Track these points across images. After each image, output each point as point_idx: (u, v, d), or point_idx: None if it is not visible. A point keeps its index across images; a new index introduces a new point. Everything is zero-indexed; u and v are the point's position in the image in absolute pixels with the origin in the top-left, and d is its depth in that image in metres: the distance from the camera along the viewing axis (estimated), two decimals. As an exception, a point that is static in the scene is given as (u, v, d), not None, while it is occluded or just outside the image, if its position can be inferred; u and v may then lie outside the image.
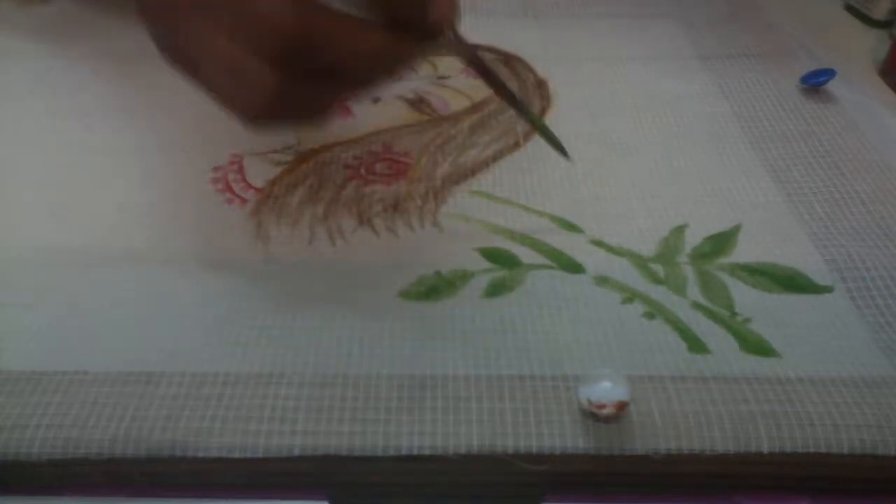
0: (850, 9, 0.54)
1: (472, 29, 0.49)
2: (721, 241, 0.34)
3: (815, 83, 0.43)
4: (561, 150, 0.34)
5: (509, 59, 0.46)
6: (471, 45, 0.32)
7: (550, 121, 0.34)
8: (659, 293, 0.31)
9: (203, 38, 0.25)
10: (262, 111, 0.25)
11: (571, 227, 0.34)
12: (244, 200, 0.35)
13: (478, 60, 0.33)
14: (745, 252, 0.33)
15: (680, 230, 0.34)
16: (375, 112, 0.42)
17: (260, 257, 0.32)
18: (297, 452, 0.25)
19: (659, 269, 0.32)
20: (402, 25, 0.26)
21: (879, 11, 0.52)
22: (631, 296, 0.31)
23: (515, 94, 0.34)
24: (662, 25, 0.51)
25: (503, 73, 0.45)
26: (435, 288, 0.31)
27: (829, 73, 0.43)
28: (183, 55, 0.26)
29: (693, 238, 0.34)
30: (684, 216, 0.35)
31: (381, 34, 0.26)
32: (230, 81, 0.25)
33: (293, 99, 0.25)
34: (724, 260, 0.33)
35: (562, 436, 0.25)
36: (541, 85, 0.44)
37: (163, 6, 0.27)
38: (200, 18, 0.25)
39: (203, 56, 0.25)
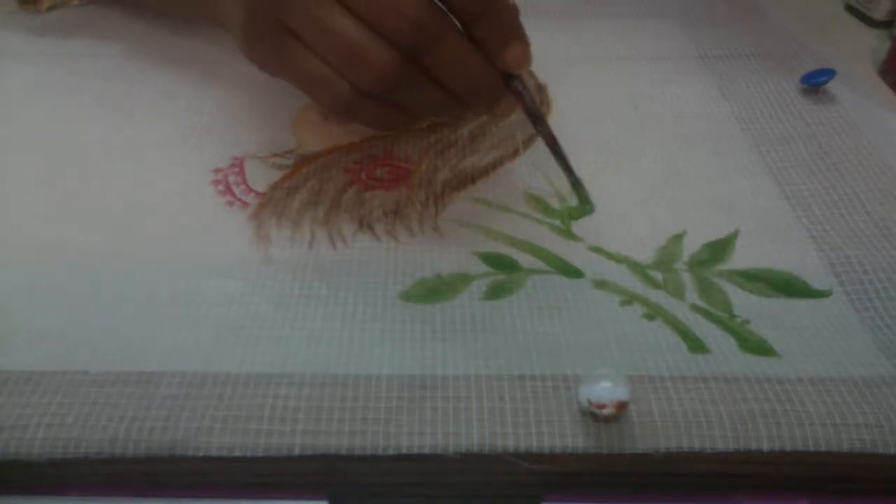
0: (850, 9, 0.54)
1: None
2: (719, 248, 0.33)
3: (815, 83, 0.43)
4: (587, 202, 0.36)
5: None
6: (528, 95, 0.33)
7: (550, 124, 0.34)
8: (657, 297, 0.31)
9: (321, 15, 0.25)
10: (374, 86, 0.26)
11: (570, 234, 0.34)
12: (245, 203, 0.35)
13: (535, 110, 0.33)
14: (743, 257, 0.33)
15: (678, 238, 0.34)
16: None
17: (260, 260, 0.32)
18: (297, 452, 0.25)
19: (657, 276, 0.32)
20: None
21: (879, 11, 0.52)
22: (630, 298, 0.31)
23: (561, 149, 0.35)
24: (662, 25, 0.51)
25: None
26: (435, 290, 0.31)
27: (829, 73, 0.43)
28: (277, 46, 0.27)
29: (691, 245, 0.34)
30: (683, 222, 0.35)
31: (482, 57, 0.28)
32: (345, 57, 0.25)
33: (404, 88, 0.26)
34: (722, 267, 0.33)
35: (562, 435, 0.25)
36: (541, 89, 0.44)
37: None
38: None
39: (317, 32, 0.25)
